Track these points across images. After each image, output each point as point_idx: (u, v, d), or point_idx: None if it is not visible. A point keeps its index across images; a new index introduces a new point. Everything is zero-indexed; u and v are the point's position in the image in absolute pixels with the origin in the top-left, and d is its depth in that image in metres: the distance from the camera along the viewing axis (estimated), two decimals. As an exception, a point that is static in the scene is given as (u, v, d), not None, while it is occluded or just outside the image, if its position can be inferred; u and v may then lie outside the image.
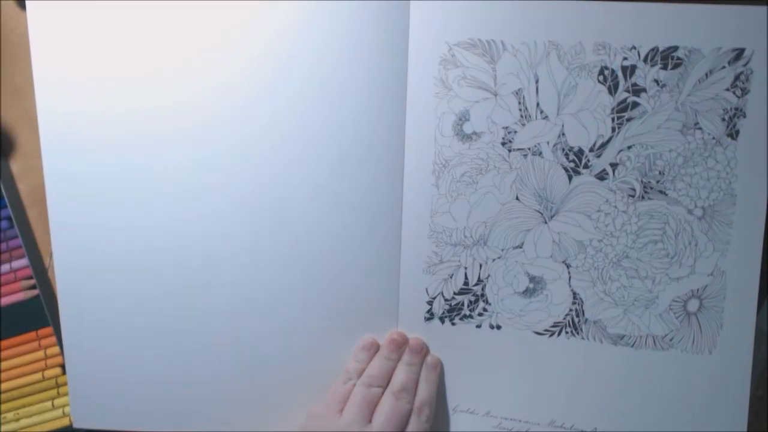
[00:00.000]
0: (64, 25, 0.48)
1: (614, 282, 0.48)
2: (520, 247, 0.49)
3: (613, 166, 0.47)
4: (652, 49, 0.45)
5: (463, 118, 0.48)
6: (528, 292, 0.49)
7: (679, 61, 0.45)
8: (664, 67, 0.45)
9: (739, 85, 0.44)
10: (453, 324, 0.51)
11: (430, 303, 0.51)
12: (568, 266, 0.48)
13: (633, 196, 0.47)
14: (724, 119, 0.45)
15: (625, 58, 0.45)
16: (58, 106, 0.49)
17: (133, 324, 0.51)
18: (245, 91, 0.48)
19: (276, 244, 0.50)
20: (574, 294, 0.49)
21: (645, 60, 0.45)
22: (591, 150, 0.47)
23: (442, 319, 0.51)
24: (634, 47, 0.45)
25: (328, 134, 0.48)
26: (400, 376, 0.50)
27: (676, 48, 0.45)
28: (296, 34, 0.47)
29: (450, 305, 0.51)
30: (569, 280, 0.49)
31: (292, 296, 0.50)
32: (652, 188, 0.46)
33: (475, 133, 0.48)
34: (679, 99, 0.45)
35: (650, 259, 0.47)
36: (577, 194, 0.47)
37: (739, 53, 0.44)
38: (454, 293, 0.50)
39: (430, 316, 0.51)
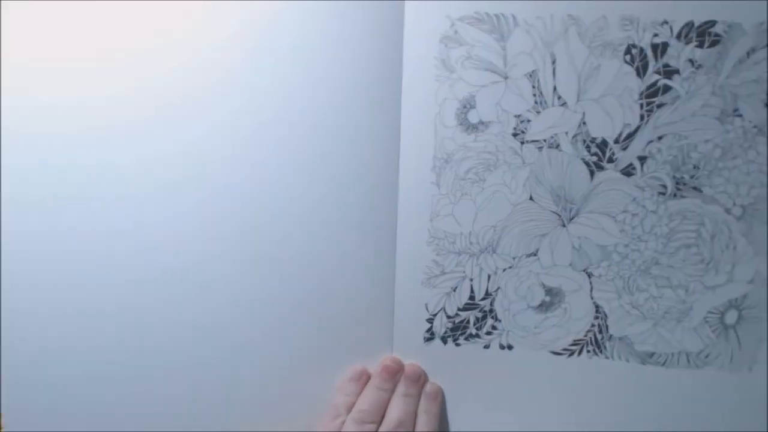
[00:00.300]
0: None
1: (642, 292, 0.43)
2: (535, 255, 0.43)
3: (642, 159, 0.41)
4: (687, 24, 0.40)
5: (467, 105, 0.42)
6: (544, 306, 0.44)
7: (717, 38, 0.40)
8: (700, 45, 0.40)
9: (786, 65, 0.40)
10: (457, 344, 0.45)
11: (431, 321, 0.45)
12: (589, 275, 0.43)
13: (664, 194, 0.42)
14: (767, 104, 0.40)
15: (656, 35, 0.40)
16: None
17: (84, 348, 0.44)
18: (228, 80, 0.41)
19: (254, 251, 0.43)
20: (597, 307, 0.44)
21: (678, 37, 0.40)
22: (616, 141, 0.41)
23: (444, 339, 0.45)
24: (666, 22, 0.40)
25: (312, 126, 0.42)
26: (395, 409, 0.44)
27: (713, 23, 0.40)
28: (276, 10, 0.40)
29: (453, 323, 0.45)
30: (591, 291, 0.43)
31: (270, 314, 0.44)
32: (685, 184, 0.41)
33: (481, 122, 0.42)
34: (717, 82, 0.40)
35: (683, 266, 0.42)
36: (600, 192, 0.42)
37: (786, 28, 0.39)
38: (458, 309, 0.45)
39: (430, 335, 0.45)
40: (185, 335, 0.44)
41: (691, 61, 0.40)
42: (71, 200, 0.42)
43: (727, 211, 0.42)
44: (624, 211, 0.42)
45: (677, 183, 0.42)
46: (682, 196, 0.42)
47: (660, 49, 0.40)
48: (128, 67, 0.41)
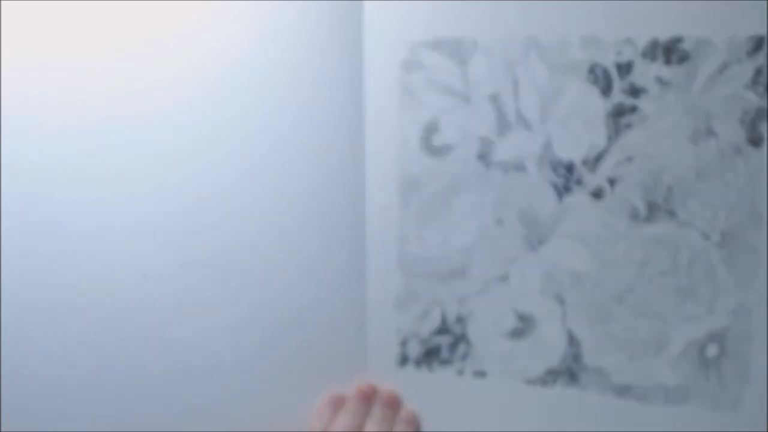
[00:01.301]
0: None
1: (617, 321, 0.44)
2: (505, 280, 0.46)
3: (611, 181, 0.43)
4: (652, 41, 0.41)
5: (431, 128, 0.45)
6: (516, 333, 0.46)
7: (685, 55, 0.41)
8: (668, 62, 0.41)
9: (761, 80, 0.40)
10: (431, 370, 0.48)
11: (403, 345, 0.48)
12: (562, 302, 0.45)
13: (636, 218, 0.43)
14: (743, 122, 0.41)
15: (619, 53, 0.42)
16: None
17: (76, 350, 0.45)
18: (181, 111, 0.44)
19: (224, 280, 0.47)
20: (571, 335, 0.45)
21: (644, 54, 0.42)
22: (584, 163, 0.43)
23: (418, 364, 0.48)
24: (630, 40, 0.42)
25: (276, 157, 0.46)
26: None
27: (680, 39, 0.41)
28: (235, 39, 0.44)
29: (426, 348, 0.48)
30: (564, 318, 0.45)
31: (242, 342, 0.47)
32: (658, 208, 0.43)
33: (446, 145, 0.45)
34: (688, 100, 0.41)
35: (659, 295, 0.43)
36: (569, 216, 0.44)
37: (758, 42, 0.40)
38: (431, 333, 0.48)
39: (403, 360, 0.48)
40: (159, 360, 0.46)
41: (658, 79, 0.42)
42: (60, 198, 0.43)
43: (705, 237, 0.42)
44: (595, 236, 0.44)
45: (650, 207, 0.43)
46: (656, 221, 0.43)
47: (624, 68, 0.42)
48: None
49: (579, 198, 0.44)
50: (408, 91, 0.45)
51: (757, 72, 0.40)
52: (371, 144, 0.46)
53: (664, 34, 0.41)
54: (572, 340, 0.45)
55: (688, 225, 0.42)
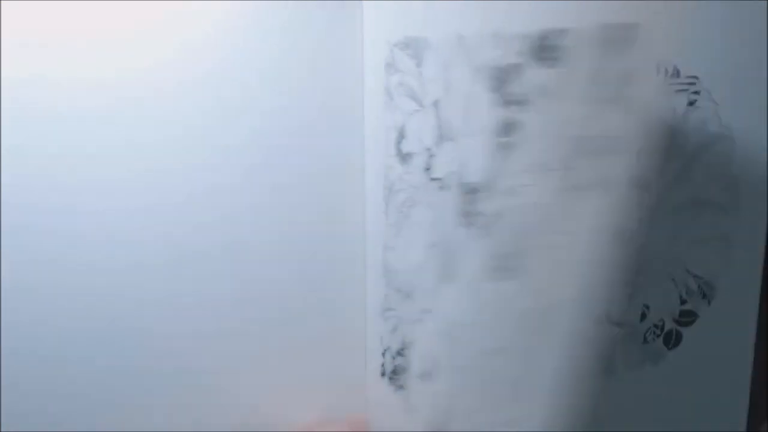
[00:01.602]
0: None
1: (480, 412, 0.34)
2: (429, 313, 0.40)
3: (489, 219, 0.34)
4: (541, 35, 0.30)
5: (401, 133, 0.43)
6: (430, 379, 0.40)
7: (562, 53, 0.29)
8: (551, 64, 0.30)
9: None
10: (395, 390, 0.46)
11: (384, 355, 0.47)
12: (456, 358, 0.37)
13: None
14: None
15: (515, 53, 0.32)
16: None
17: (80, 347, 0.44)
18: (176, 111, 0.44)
19: (226, 281, 0.46)
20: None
21: (533, 53, 0.31)
22: (482, 191, 0.35)
23: (390, 380, 0.46)
24: (525, 35, 0.32)
25: (275, 156, 0.45)
26: None
27: (562, 31, 0.29)
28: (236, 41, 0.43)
29: (393, 366, 0.46)
30: (457, 381, 0.37)
31: (244, 338, 0.46)
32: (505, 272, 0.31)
33: (409, 153, 0.42)
34: (552, 125, 0.29)
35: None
36: (466, 255, 0.36)
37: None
38: (395, 352, 0.45)
39: (383, 372, 0.47)
40: (159, 361, 0.45)
41: (540, 87, 0.30)
42: (61, 199, 0.41)
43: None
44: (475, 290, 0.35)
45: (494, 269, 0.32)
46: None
47: (517, 71, 0.32)
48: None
49: (470, 235, 0.35)
50: (389, 93, 0.43)
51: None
52: (369, 144, 0.46)
53: (549, 25, 0.30)
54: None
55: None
